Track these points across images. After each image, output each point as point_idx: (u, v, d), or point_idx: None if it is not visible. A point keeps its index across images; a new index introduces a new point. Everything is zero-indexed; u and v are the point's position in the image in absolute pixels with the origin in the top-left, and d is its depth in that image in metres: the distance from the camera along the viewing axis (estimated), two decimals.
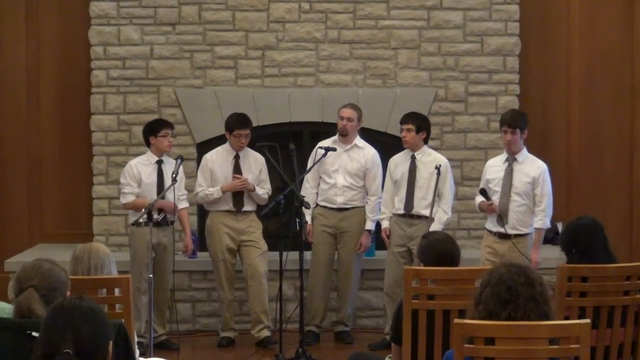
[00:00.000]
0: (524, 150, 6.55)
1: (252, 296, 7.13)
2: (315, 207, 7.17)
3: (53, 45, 8.27)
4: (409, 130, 6.98)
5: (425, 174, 6.95)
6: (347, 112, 7.17)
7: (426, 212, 6.87)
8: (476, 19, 7.97)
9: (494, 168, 6.57)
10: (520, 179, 6.45)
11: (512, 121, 6.50)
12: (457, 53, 7.97)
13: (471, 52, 7.98)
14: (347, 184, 7.15)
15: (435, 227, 6.72)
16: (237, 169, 7.16)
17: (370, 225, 7.19)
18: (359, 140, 7.25)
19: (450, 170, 7.03)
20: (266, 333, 7.08)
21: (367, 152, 7.21)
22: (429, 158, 7.00)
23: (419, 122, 7.01)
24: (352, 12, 7.94)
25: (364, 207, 7.19)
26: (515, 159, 6.50)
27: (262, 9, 7.91)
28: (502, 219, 6.43)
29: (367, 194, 7.20)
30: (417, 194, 6.95)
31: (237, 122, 7.13)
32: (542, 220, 6.45)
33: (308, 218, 7.09)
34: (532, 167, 6.48)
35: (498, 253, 6.37)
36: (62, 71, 8.27)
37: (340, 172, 7.09)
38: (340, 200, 7.16)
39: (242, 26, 7.91)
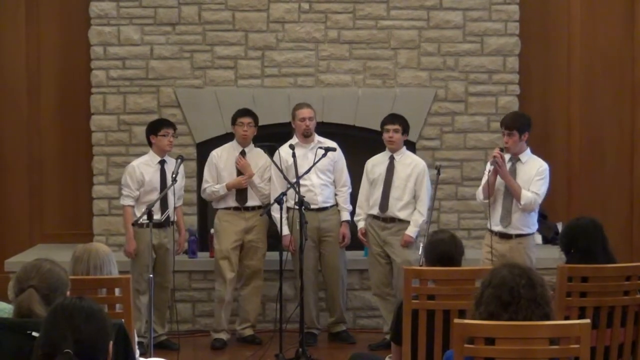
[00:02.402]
0: (527, 151, 6.52)
1: (247, 295, 7.20)
2: (289, 212, 6.96)
3: (53, 45, 8.27)
4: (396, 130, 6.99)
5: (402, 175, 6.98)
6: (308, 113, 7.15)
7: (401, 215, 6.94)
8: (476, 19, 7.97)
9: None
10: (523, 179, 6.43)
11: (510, 122, 6.49)
12: (457, 53, 7.97)
13: (471, 52, 7.98)
14: (322, 181, 7.14)
15: (412, 229, 6.86)
16: None
17: (346, 216, 7.21)
18: (318, 137, 7.24)
19: (427, 173, 7.03)
20: (251, 332, 7.21)
21: (330, 146, 7.11)
22: (408, 160, 7.05)
23: (405, 124, 7.05)
24: (351, 12, 7.93)
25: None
26: (518, 159, 6.49)
27: (262, 9, 7.91)
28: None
29: (337, 187, 7.21)
30: (393, 193, 6.96)
31: (238, 111, 7.23)
32: (532, 193, 6.32)
33: (285, 229, 6.92)
34: (535, 167, 6.46)
35: (499, 253, 6.37)
36: (62, 71, 8.28)
37: (312, 172, 7.01)
38: (320, 199, 7.11)
39: (242, 26, 7.91)
